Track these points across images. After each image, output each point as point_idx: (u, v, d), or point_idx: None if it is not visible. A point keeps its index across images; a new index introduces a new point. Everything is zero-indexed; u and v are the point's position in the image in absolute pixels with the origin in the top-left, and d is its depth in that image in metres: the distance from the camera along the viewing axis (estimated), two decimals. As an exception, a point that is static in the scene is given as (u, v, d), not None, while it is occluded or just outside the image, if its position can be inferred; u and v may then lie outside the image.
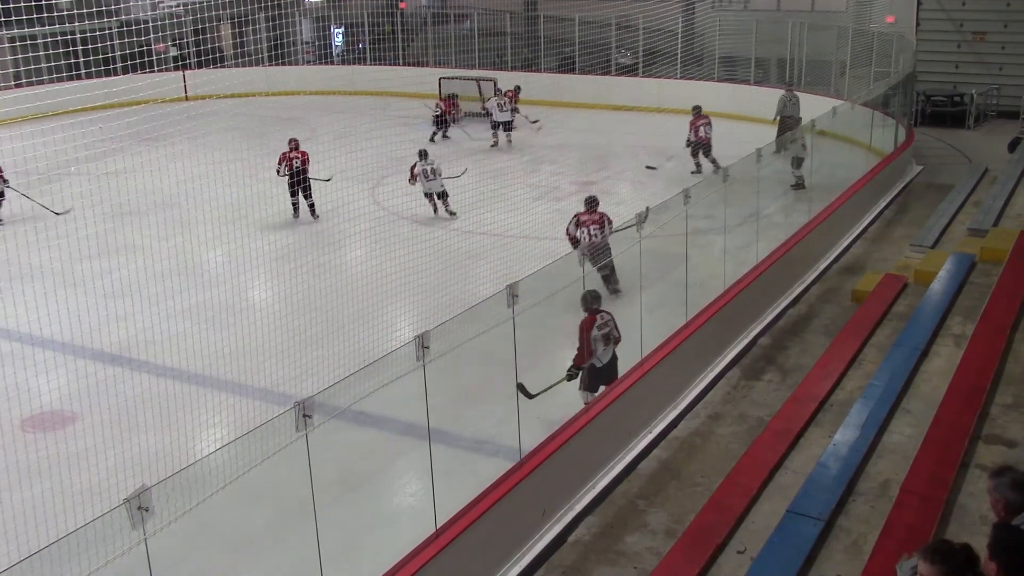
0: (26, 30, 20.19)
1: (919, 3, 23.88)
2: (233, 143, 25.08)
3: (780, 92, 22.62)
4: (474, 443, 9.16)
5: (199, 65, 30.46)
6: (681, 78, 27.37)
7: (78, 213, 15.85)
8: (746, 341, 11.83)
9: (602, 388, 9.32)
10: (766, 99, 25.00)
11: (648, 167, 20.55)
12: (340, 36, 36.03)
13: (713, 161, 19.69)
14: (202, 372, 10.76)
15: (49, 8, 22.31)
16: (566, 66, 30.68)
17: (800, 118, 20.78)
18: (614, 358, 9.30)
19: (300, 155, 17.83)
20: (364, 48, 34.05)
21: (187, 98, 30.39)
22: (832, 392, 10.21)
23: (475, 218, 15.61)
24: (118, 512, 4.86)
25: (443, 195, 17.33)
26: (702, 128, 19.87)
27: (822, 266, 14.57)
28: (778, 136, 19.88)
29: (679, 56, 27.70)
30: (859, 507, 8.03)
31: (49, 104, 20.82)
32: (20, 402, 9.90)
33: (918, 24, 23.80)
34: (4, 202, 18.22)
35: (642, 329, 9.99)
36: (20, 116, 23.56)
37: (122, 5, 27.77)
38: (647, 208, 9.78)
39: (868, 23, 24.10)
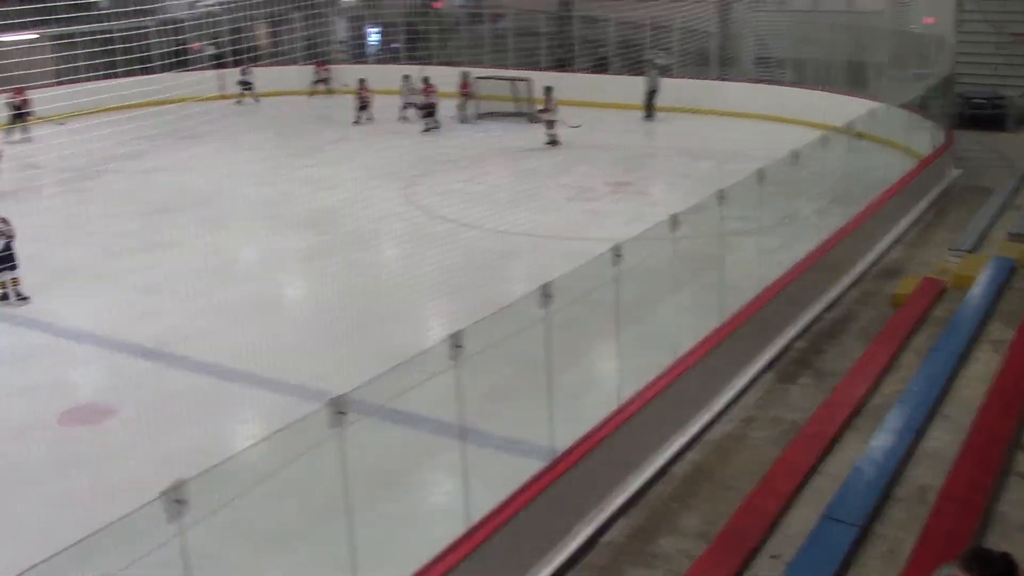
0: (66, 28, 20.41)
1: (959, 4, 23.57)
2: (267, 142, 25.27)
3: (816, 92, 22.59)
4: (507, 442, 9.13)
5: (235, 64, 30.75)
6: (716, 79, 27.23)
7: (117, 211, 16.00)
8: (781, 344, 11.72)
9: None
10: (803, 100, 24.83)
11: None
12: (375, 35, 36.15)
13: (434, 123, 25.91)
14: (237, 368, 10.82)
15: (89, 7, 22.58)
16: (600, 66, 30.58)
17: (655, 89, 26.35)
18: (7, 248, 12.54)
19: (24, 97, 23.89)
20: (398, 48, 34.15)
21: (223, 97, 30.67)
22: (869, 397, 10.10)
23: (508, 218, 15.61)
24: (154, 505, 4.89)
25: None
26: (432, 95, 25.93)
27: (859, 269, 14.41)
28: (646, 103, 26.43)
29: (715, 57, 27.55)
30: (896, 513, 7.94)
31: (88, 102, 21.04)
32: (58, 396, 10.01)
33: (958, 25, 23.50)
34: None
35: (676, 330, 9.93)
36: (59, 114, 23.85)
37: (160, 4, 28.05)
38: None
39: (907, 24, 23.83)
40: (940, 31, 22.75)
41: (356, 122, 26.95)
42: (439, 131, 25.73)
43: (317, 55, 31.95)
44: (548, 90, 23.63)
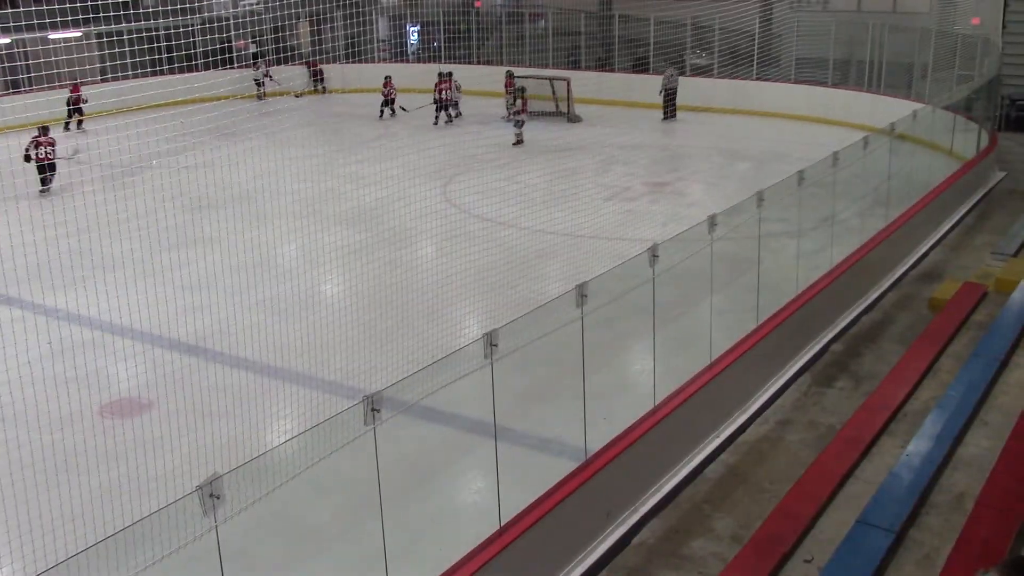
0: (112, 26, 20.71)
1: (1006, 5, 23.19)
2: (307, 139, 25.48)
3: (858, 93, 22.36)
4: (540, 442, 9.16)
5: (277, 62, 31.04)
6: (757, 79, 27.04)
7: (159, 205, 16.21)
8: (818, 347, 11.64)
9: None
10: (845, 102, 24.59)
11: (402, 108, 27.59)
12: (416, 34, 36.29)
13: (450, 116, 27.03)
14: (274, 364, 10.93)
15: (135, 5, 22.86)
16: (640, 66, 30.49)
17: (675, 87, 26.68)
18: None
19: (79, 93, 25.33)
20: (439, 47, 34.27)
21: (264, 95, 30.96)
22: (906, 401, 10.01)
23: (545, 217, 15.61)
24: (190, 499, 4.96)
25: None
26: (445, 91, 26.66)
27: (899, 272, 14.26)
28: (664, 105, 26.50)
29: (755, 57, 27.35)
30: (932, 519, 7.86)
31: (133, 99, 21.31)
32: (99, 388, 10.17)
33: (1004, 27, 23.11)
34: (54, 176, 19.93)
35: (711, 332, 9.89)
36: (105, 111, 24.18)
37: (204, 2, 28.38)
38: None
39: (952, 25, 23.49)
40: (986, 32, 22.40)
41: (380, 117, 27.99)
42: (449, 126, 26.44)
43: (357, 54, 32.27)
44: (522, 91, 24.75)
